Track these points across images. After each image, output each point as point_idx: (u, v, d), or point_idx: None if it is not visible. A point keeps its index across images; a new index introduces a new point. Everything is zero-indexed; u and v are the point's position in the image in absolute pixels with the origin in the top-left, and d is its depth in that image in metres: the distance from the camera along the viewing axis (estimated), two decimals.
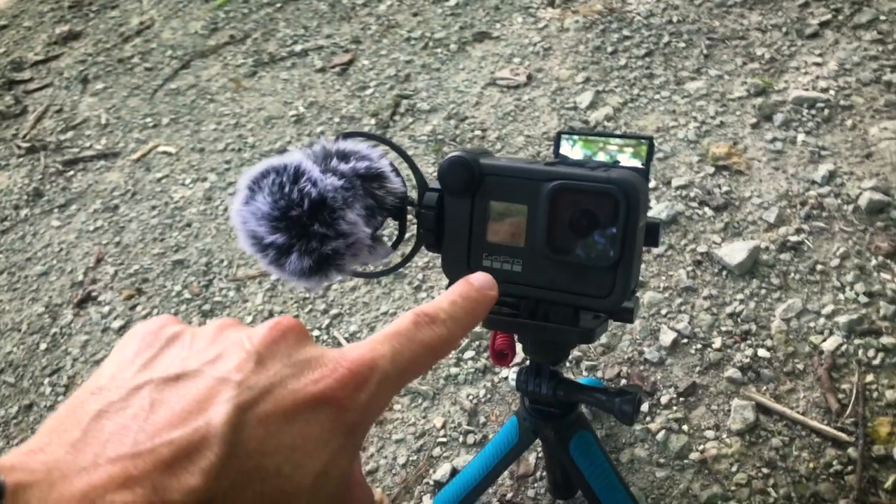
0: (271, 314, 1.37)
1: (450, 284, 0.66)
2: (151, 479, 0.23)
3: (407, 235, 0.66)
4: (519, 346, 0.77)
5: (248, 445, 0.25)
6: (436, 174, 0.63)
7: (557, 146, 0.77)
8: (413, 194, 0.65)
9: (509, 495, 1.00)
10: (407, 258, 0.66)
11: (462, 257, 0.64)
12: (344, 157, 0.62)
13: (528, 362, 0.76)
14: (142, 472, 0.23)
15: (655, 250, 1.24)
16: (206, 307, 1.43)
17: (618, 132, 1.48)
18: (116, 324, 1.46)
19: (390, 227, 0.64)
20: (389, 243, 0.65)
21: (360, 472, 0.31)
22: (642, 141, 0.74)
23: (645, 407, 1.05)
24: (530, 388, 0.75)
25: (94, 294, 1.55)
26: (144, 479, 0.22)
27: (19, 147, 2.07)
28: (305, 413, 0.26)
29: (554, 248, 0.59)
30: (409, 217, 0.65)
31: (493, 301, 0.37)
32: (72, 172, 1.93)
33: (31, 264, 1.68)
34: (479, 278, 0.37)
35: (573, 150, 0.74)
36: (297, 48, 2.12)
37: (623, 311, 0.65)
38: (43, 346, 1.46)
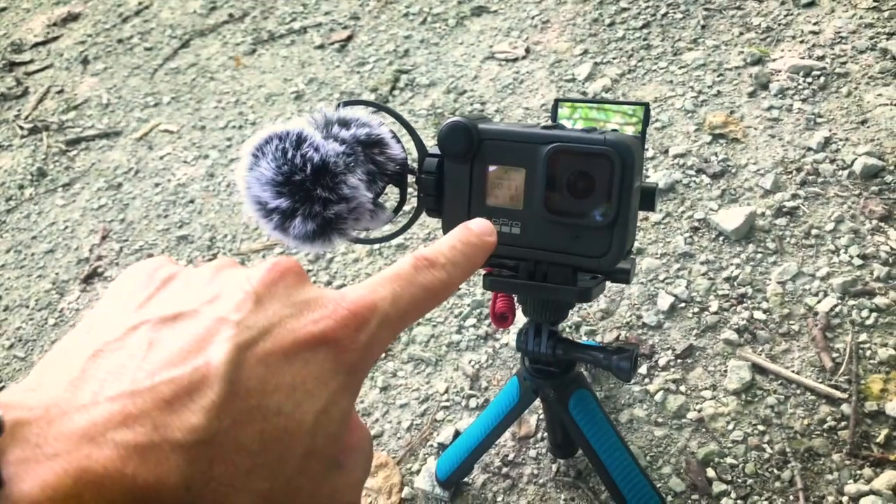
0: None
1: None
2: (152, 418, 0.22)
3: (406, 207, 0.68)
4: (519, 310, 0.79)
5: (248, 384, 0.24)
6: (435, 141, 0.64)
7: (555, 113, 0.79)
8: (413, 162, 0.66)
9: (511, 455, 1.02)
10: (408, 223, 0.68)
11: (462, 221, 0.65)
12: (345, 124, 0.64)
13: (527, 323, 0.78)
14: (141, 411, 0.22)
15: (653, 217, 1.26)
16: None
17: (613, 99, 1.50)
18: None
19: (391, 198, 0.65)
20: (391, 209, 0.67)
21: (356, 413, 0.31)
22: (638, 106, 0.76)
23: (643, 369, 1.07)
24: (530, 347, 0.77)
25: (100, 270, 1.57)
26: (144, 417, 0.22)
27: (21, 128, 2.08)
28: (305, 352, 0.26)
29: (551, 209, 0.61)
30: (410, 184, 0.66)
31: (492, 247, 0.37)
32: (75, 152, 1.95)
33: (37, 242, 1.70)
34: (478, 224, 0.38)
35: (573, 126, 0.76)
36: (296, 25, 2.13)
37: (619, 271, 0.67)
38: (51, 321, 1.49)
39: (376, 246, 1.40)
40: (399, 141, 0.65)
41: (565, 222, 0.62)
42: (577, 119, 0.79)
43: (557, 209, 0.61)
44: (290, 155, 0.59)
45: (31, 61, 2.40)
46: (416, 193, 0.66)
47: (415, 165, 0.66)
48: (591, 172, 0.60)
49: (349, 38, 2.00)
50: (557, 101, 0.79)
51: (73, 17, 2.55)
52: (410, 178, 0.67)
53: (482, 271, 0.70)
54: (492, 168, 0.64)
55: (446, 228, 0.66)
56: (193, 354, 0.24)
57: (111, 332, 0.25)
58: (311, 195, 0.59)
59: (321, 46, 2.01)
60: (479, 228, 0.38)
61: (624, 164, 0.58)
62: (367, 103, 0.67)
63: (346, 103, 0.65)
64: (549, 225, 0.62)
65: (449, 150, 0.64)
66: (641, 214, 1.24)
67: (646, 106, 0.75)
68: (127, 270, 0.31)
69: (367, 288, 0.29)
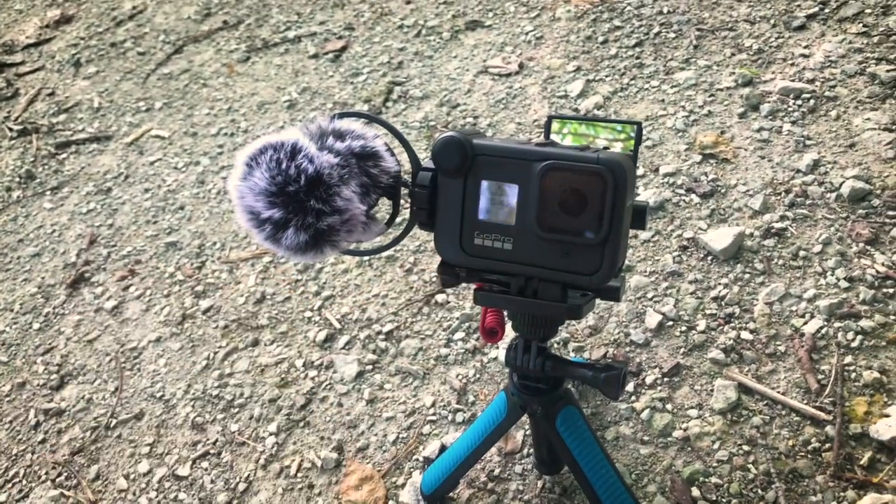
0: (263, 296, 1.39)
1: (442, 263, 0.68)
2: None
3: (398, 220, 0.68)
4: (508, 325, 0.79)
5: None
6: (429, 155, 0.65)
7: (548, 130, 0.79)
8: (407, 175, 0.66)
9: (497, 471, 1.02)
10: (400, 236, 0.68)
11: (454, 235, 0.66)
12: (339, 135, 0.64)
13: (517, 339, 0.78)
14: None
15: (642, 235, 1.26)
16: (199, 288, 1.45)
17: (606, 118, 1.50)
18: (109, 304, 1.47)
19: (383, 210, 0.65)
20: (383, 222, 0.67)
21: None
22: (630, 125, 0.76)
23: (630, 387, 1.07)
24: (519, 363, 0.77)
25: (86, 275, 1.56)
26: None
27: (11, 129, 2.07)
28: None
29: (543, 226, 0.62)
30: (403, 197, 0.67)
31: None
32: (64, 155, 1.94)
33: (24, 245, 1.68)
34: None
35: (563, 142, 0.76)
36: (291, 34, 2.13)
37: (610, 289, 0.67)
38: (36, 325, 1.47)
39: (366, 258, 1.40)
40: (393, 154, 0.65)
41: (557, 239, 0.62)
42: (566, 134, 0.79)
43: (549, 226, 0.61)
44: (284, 166, 0.59)
45: (23, 63, 2.39)
46: (408, 206, 0.66)
47: (408, 178, 0.67)
48: (584, 190, 0.60)
49: (343, 49, 2.00)
50: (551, 118, 0.79)
51: (66, 20, 2.54)
52: (403, 191, 0.68)
53: (473, 286, 0.70)
54: (485, 183, 0.64)
55: (438, 242, 0.67)
56: None
57: None
58: (305, 206, 0.59)
59: (315, 56, 2.01)
60: None
61: (616, 183, 0.59)
62: (361, 115, 0.68)
63: (341, 115, 0.65)
64: (541, 241, 0.63)
65: (443, 164, 0.64)
66: (631, 233, 1.25)
67: (638, 125, 0.75)
68: None
69: None
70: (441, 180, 0.65)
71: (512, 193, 0.64)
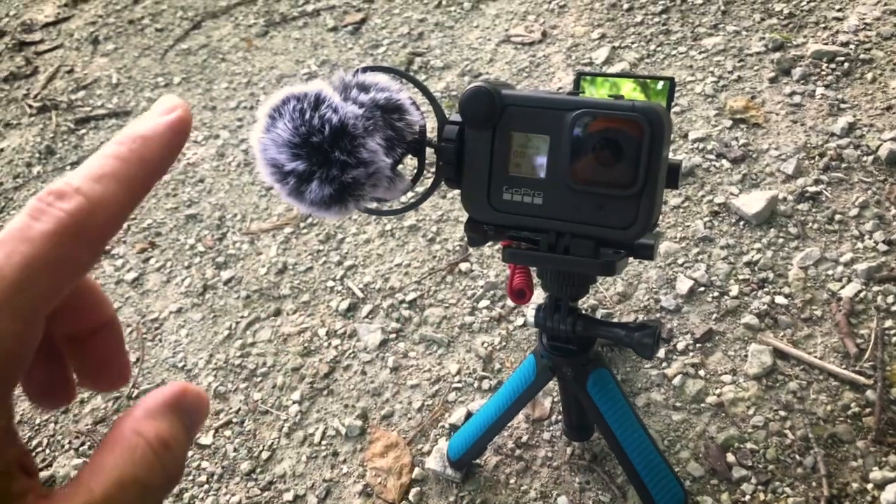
0: (285, 266, 1.37)
1: (469, 220, 0.65)
2: None
3: (420, 188, 0.66)
4: (537, 288, 0.76)
5: None
6: (455, 109, 0.62)
7: (577, 87, 0.77)
8: (433, 132, 0.64)
9: (525, 437, 1.00)
10: (426, 193, 0.65)
11: (482, 191, 0.63)
12: (364, 88, 0.62)
13: (546, 299, 0.75)
14: None
15: (672, 201, 1.23)
16: (220, 259, 1.43)
17: (638, 73, 1.47)
18: (130, 276, 1.46)
19: (409, 170, 0.63)
20: (409, 178, 0.65)
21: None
22: (664, 81, 0.74)
23: (662, 353, 1.04)
24: (549, 324, 0.74)
25: (108, 248, 1.55)
26: None
27: (31, 106, 2.07)
28: None
29: (576, 178, 0.59)
30: (428, 156, 0.64)
31: (179, 126, 0.27)
32: (83, 131, 1.93)
33: None
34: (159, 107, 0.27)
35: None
36: (309, 8, 2.11)
37: (643, 246, 0.64)
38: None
39: (388, 227, 1.37)
40: (418, 108, 0.62)
41: (590, 192, 0.59)
42: (599, 88, 0.76)
43: (582, 178, 0.59)
44: (307, 116, 0.56)
45: (42, 41, 2.39)
46: (434, 164, 0.63)
47: (434, 136, 0.64)
48: (619, 140, 0.57)
49: (363, 21, 1.97)
50: (580, 75, 0.76)
51: None
52: (428, 150, 0.65)
53: (500, 244, 0.68)
54: (515, 135, 0.61)
55: (465, 198, 0.64)
56: None
57: None
58: (329, 158, 0.57)
59: (334, 29, 1.99)
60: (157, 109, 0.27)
61: (654, 132, 0.56)
62: (386, 69, 0.65)
63: (366, 69, 0.63)
64: (573, 195, 0.60)
65: (471, 115, 0.61)
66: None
67: (671, 80, 0.72)
68: None
69: None
70: (468, 133, 0.63)
71: (543, 145, 0.61)
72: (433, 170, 0.63)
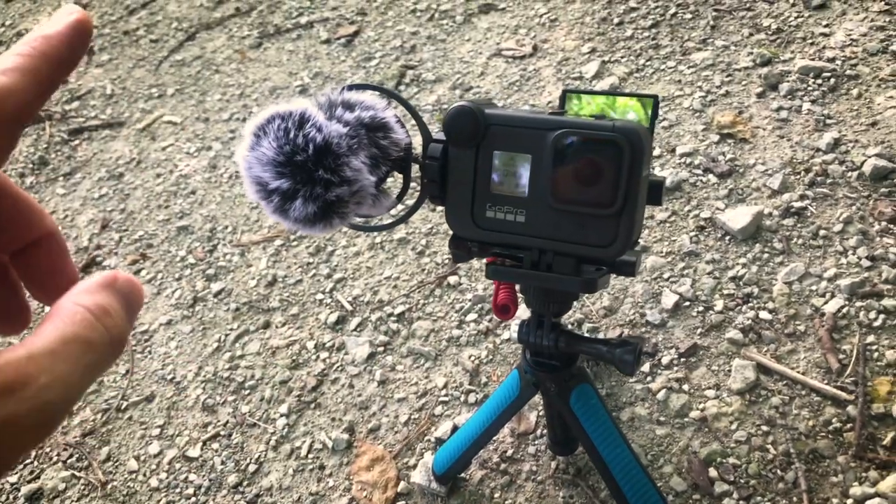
0: (275, 279, 1.38)
1: (453, 237, 0.66)
2: None
3: (409, 201, 0.66)
4: (522, 304, 0.77)
5: None
6: (440, 126, 0.63)
7: (563, 104, 0.77)
8: (418, 148, 0.65)
9: (510, 452, 1.01)
10: (411, 210, 0.66)
11: (466, 208, 0.64)
12: (349, 106, 0.62)
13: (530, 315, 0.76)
14: None
15: (659, 216, 1.24)
16: (211, 272, 1.44)
17: (623, 91, 1.48)
18: None
19: (394, 187, 0.64)
20: (394, 196, 0.65)
21: None
22: (647, 99, 0.74)
23: (646, 367, 1.05)
24: (532, 339, 0.75)
25: (98, 259, 1.55)
26: None
27: None
28: None
29: (557, 197, 0.59)
30: (414, 173, 0.65)
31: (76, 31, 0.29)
32: (77, 141, 1.93)
33: None
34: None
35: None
36: (303, 20, 2.12)
37: (625, 263, 0.65)
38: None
39: (378, 240, 1.38)
40: (404, 126, 0.63)
41: (571, 210, 0.60)
42: (584, 105, 0.77)
43: (563, 197, 0.59)
44: (292, 135, 0.57)
45: None
46: (420, 181, 0.64)
47: (419, 152, 0.65)
48: (599, 159, 0.58)
49: (356, 34, 1.99)
50: (566, 92, 0.77)
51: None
52: (414, 167, 0.66)
53: (485, 260, 0.69)
54: (497, 154, 0.62)
55: (450, 216, 0.65)
56: None
57: None
58: (313, 176, 0.57)
59: (327, 41, 2.00)
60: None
61: (633, 152, 0.57)
62: (372, 87, 0.66)
63: (352, 87, 0.64)
64: (555, 213, 0.61)
65: (454, 135, 0.62)
66: (646, 211, 1.22)
67: (654, 98, 0.73)
68: None
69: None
70: (452, 152, 0.64)
71: (525, 164, 0.62)
72: (419, 186, 0.64)
